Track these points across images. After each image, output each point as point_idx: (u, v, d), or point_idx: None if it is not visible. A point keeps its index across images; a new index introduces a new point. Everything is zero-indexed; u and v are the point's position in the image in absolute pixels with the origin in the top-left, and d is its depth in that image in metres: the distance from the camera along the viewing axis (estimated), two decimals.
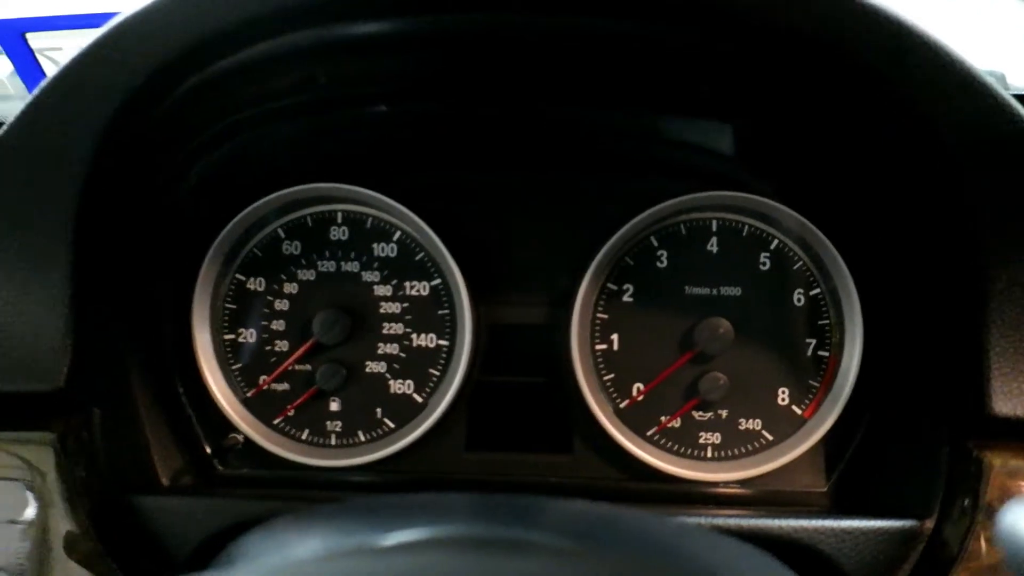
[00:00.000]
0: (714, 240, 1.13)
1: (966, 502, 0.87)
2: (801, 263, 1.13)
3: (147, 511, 0.95)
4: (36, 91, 0.84)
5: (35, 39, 1.39)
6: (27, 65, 1.41)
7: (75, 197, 0.85)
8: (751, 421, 1.13)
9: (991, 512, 0.84)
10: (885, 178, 0.99)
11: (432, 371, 1.15)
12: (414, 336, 1.15)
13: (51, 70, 1.41)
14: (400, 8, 0.85)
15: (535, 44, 0.94)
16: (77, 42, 1.41)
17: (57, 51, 1.41)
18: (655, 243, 1.14)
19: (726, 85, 1.01)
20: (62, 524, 0.87)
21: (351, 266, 1.16)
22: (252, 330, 1.16)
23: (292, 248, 1.16)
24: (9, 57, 1.41)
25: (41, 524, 0.87)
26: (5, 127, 0.85)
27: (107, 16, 1.39)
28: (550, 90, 1.07)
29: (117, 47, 0.82)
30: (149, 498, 0.97)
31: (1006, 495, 0.85)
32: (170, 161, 1.03)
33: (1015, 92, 0.87)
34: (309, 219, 1.16)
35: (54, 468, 0.88)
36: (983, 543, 0.84)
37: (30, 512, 0.87)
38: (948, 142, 0.82)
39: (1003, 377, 0.85)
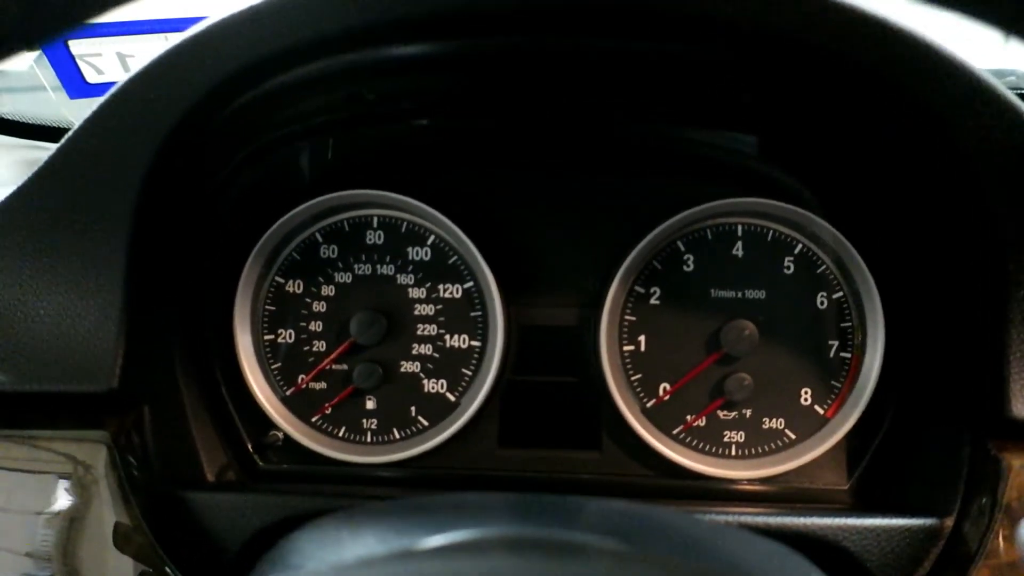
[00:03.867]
0: (740, 244, 1.16)
1: (984, 501, 0.89)
2: (824, 267, 1.15)
3: (196, 505, 0.99)
4: (99, 104, 0.88)
5: (76, 45, 1.42)
6: (69, 71, 1.44)
7: (132, 207, 0.88)
8: (775, 420, 1.15)
9: (1010, 511, 0.86)
10: (909, 187, 1.01)
11: (465, 371, 1.18)
12: (447, 337, 1.18)
13: (91, 75, 1.45)
14: (445, 32, 0.88)
15: (568, 62, 0.97)
16: (117, 48, 1.45)
17: (97, 57, 1.44)
18: (682, 247, 1.16)
19: (755, 100, 1.03)
20: (112, 518, 0.90)
21: (386, 269, 1.19)
22: (291, 331, 1.20)
23: (329, 252, 1.19)
24: (51, 63, 1.44)
25: (71, 515, 0.89)
26: (66, 139, 0.89)
27: (146, 24, 1.43)
28: (581, 103, 1.09)
29: (178, 64, 0.86)
30: (197, 493, 1.00)
31: None
32: (220, 171, 1.07)
33: None
34: (346, 224, 1.19)
35: (107, 465, 0.91)
36: (1002, 541, 0.87)
37: (62, 503, 0.90)
38: (972, 154, 0.85)
39: (1022, 380, 0.87)
